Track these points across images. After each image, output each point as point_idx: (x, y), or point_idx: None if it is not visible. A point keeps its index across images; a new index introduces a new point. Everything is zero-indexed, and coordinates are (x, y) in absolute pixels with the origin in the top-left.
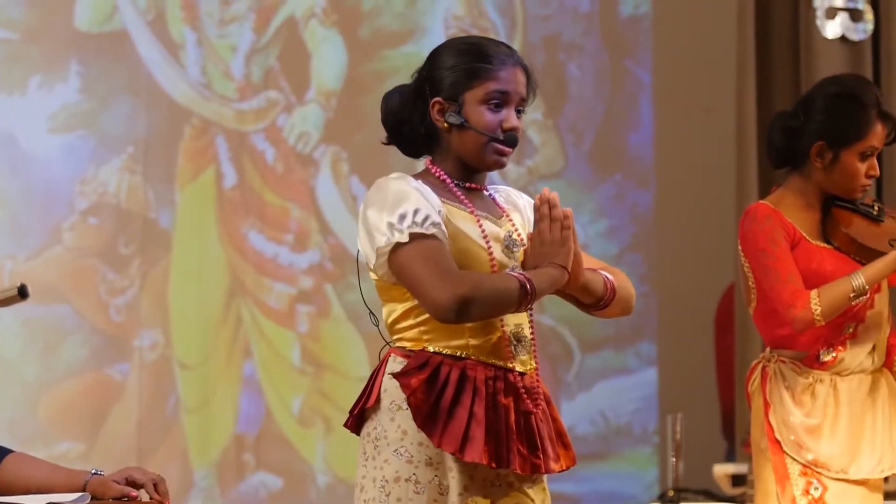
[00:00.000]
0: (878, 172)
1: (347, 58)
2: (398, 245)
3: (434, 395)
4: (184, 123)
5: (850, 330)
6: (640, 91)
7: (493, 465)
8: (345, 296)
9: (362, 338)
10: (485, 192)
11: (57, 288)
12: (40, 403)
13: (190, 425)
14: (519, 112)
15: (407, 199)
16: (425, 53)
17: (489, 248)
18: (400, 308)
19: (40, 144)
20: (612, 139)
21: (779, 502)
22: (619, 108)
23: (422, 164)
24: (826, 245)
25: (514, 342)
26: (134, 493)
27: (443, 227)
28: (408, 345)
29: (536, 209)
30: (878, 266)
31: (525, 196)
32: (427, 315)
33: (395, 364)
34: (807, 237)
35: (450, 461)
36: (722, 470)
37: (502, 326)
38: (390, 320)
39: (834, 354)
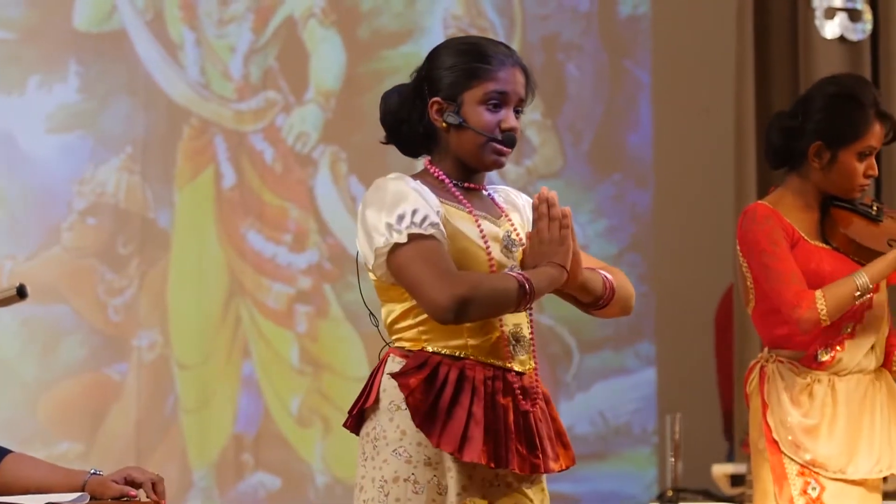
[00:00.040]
0: (876, 172)
1: (346, 58)
2: (396, 246)
3: (433, 395)
4: (182, 123)
5: (849, 330)
6: (638, 91)
7: (492, 465)
8: (343, 296)
9: (361, 338)
10: (483, 192)
11: (55, 288)
12: (39, 403)
13: (188, 425)
14: (517, 112)
15: (405, 200)
16: (424, 53)
17: (487, 248)
18: (399, 308)
19: (39, 144)
20: (611, 139)
21: (776, 502)
22: (618, 108)
23: (420, 163)
24: (824, 245)
25: (513, 342)
26: (133, 492)
27: (441, 227)
28: (406, 345)
29: (535, 208)
30: (880, 265)
31: (524, 196)
32: (426, 315)
33: (394, 364)
34: (805, 237)
35: (448, 461)
36: (721, 470)
37: (501, 326)
38: (389, 320)
39: (832, 354)
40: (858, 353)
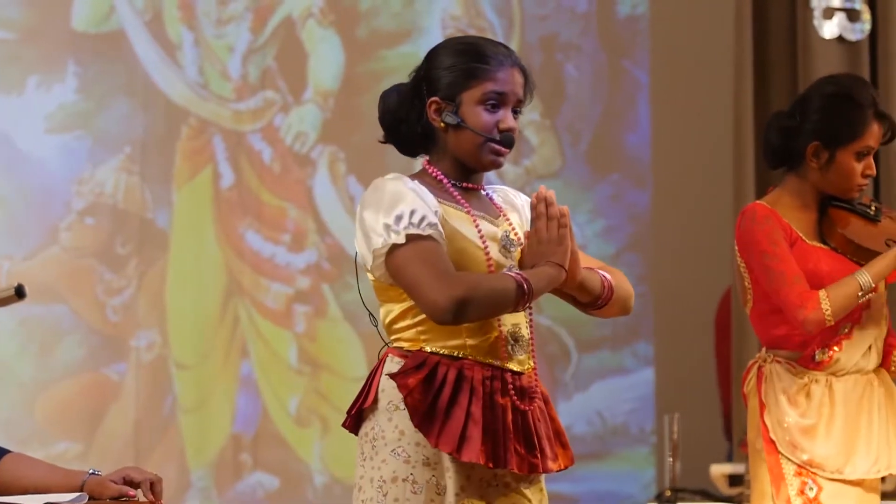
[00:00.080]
0: (874, 172)
1: (345, 58)
2: (395, 246)
3: (431, 395)
4: (181, 123)
5: (846, 330)
6: (637, 91)
7: (491, 465)
8: (342, 296)
9: (359, 338)
10: (482, 192)
11: (54, 288)
12: (37, 403)
13: (187, 425)
14: (516, 113)
15: (403, 200)
16: (423, 53)
17: (486, 248)
18: (397, 308)
19: (37, 144)
20: (610, 139)
21: (774, 503)
22: (617, 109)
23: (419, 163)
24: (822, 245)
25: (512, 342)
26: (132, 492)
27: (439, 227)
28: (405, 345)
29: (533, 207)
30: (881, 263)
31: (523, 196)
32: (424, 315)
33: (393, 364)
34: (803, 237)
35: (447, 461)
36: (719, 470)
37: (499, 326)
38: (388, 321)
39: (829, 355)
40: (856, 353)
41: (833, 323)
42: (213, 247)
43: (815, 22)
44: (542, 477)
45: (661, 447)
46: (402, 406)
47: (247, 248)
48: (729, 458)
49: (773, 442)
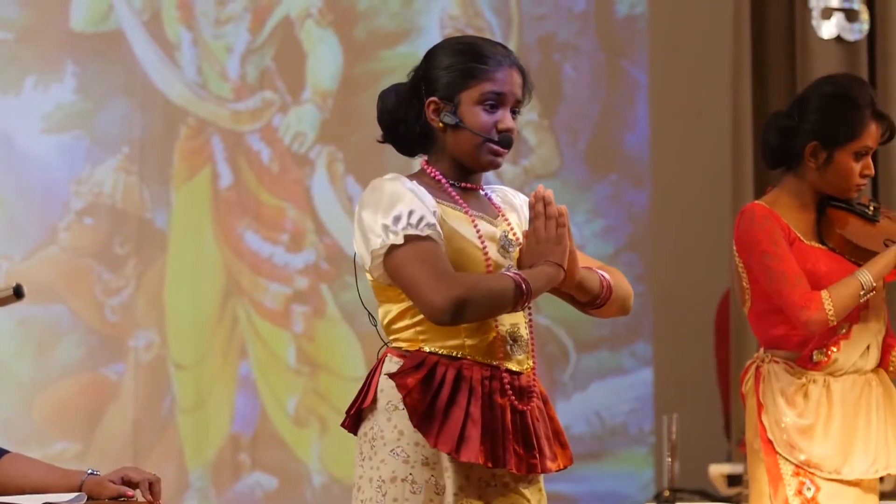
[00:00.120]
0: (872, 172)
1: (343, 58)
2: (393, 247)
3: (430, 395)
4: (179, 123)
5: (844, 330)
6: (635, 91)
7: (489, 464)
8: (340, 296)
9: (358, 338)
10: (480, 192)
11: (52, 288)
12: (36, 403)
13: (185, 425)
14: (514, 113)
15: (401, 201)
16: (421, 54)
17: (484, 248)
18: (396, 309)
19: (36, 144)
20: (608, 139)
21: (772, 503)
22: (615, 108)
23: (417, 163)
24: (821, 246)
25: (510, 342)
26: (130, 492)
27: (438, 228)
28: (404, 345)
29: (531, 207)
30: (881, 262)
31: (521, 195)
32: (423, 315)
33: (392, 364)
34: (801, 238)
35: (446, 461)
36: (717, 470)
37: (497, 326)
38: (386, 321)
39: (828, 355)
40: (854, 353)
41: (835, 323)
42: (212, 247)
43: (814, 22)
44: (541, 477)
45: (659, 447)
46: (401, 406)
47: (245, 248)
48: (728, 459)
49: (770, 442)
